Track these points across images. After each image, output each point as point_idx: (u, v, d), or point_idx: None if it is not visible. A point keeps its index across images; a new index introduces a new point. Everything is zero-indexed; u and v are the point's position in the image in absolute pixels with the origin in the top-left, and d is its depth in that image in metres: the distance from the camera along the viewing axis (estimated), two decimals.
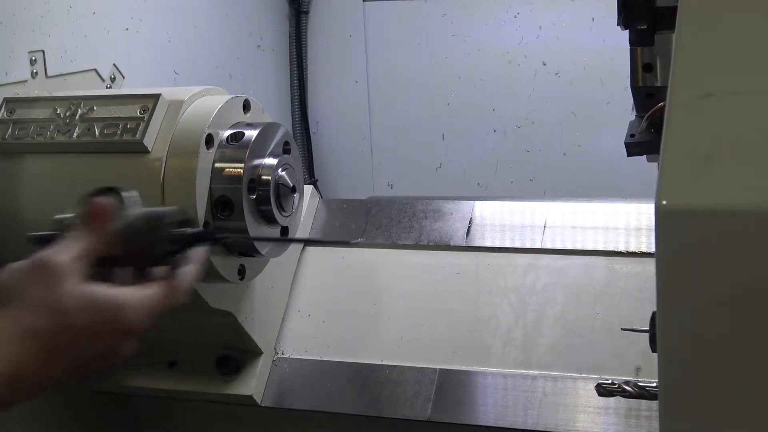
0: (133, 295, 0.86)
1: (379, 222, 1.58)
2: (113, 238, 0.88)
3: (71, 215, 0.91)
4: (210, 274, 1.23)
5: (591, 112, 2.74)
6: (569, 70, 2.75)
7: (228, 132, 1.27)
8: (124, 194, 0.93)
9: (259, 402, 1.43)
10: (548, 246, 1.49)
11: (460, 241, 1.54)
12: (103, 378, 1.48)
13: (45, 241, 0.89)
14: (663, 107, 0.97)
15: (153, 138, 1.24)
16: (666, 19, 1.14)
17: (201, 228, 1.02)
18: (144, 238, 0.89)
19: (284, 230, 1.31)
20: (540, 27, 2.77)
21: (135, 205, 0.93)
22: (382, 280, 1.53)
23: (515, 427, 1.33)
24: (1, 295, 0.82)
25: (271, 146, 1.29)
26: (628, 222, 1.48)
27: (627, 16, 1.16)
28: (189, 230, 0.92)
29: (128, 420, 1.61)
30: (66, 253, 0.84)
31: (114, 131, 1.26)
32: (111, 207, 0.89)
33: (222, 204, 1.24)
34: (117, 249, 0.88)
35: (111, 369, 0.95)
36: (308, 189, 1.57)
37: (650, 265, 1.30)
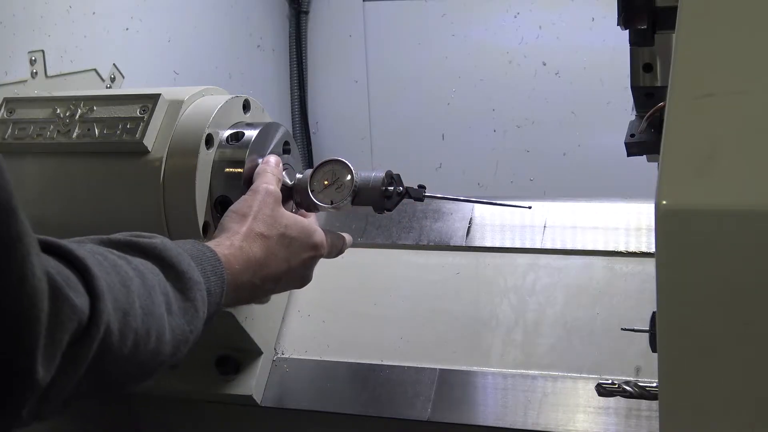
0: (320, 229, 1.22)
1: (379, 222, 1.59)
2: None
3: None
4: None
5: (591, 112, 2.74)
6: (569, 70, 2.75)
7: (228, 132, 1.27)
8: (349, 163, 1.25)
9: (259, 402, 1.43)
10: (548, 246, 1.49)
11: (460, 241, 1.54)
12: None
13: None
14: (663, 107, 0.97)
15: (153, 138, 1.24)
16: (666, 19, 1.14)
17: (405, 187, 1.26)
18: (375, 194, 1.23)
19: None
20: (540, 27, 2.77)
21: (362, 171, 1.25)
22: (382, 280, 1.53)
23: (515, 427, 1.33)
24: (244, 214, 1.14)
25: (271, 146, 1.29)
26: (628, 222, 1.48)
27: (627, 16, 1.16)
28: (400, 188, 1.24)
29: (128, 420, 1.61)
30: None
31: (114, 131, 1.26)
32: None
33: (222, 204, 1.24)
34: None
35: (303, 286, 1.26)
36: None
37: (650, 265, 1.30)
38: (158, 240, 0.96)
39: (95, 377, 0.80)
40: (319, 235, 1.22)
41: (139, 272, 0.88)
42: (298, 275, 1.22)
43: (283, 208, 1.19)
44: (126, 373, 0.86)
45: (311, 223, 1.23)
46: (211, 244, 1.06)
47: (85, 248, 0.84)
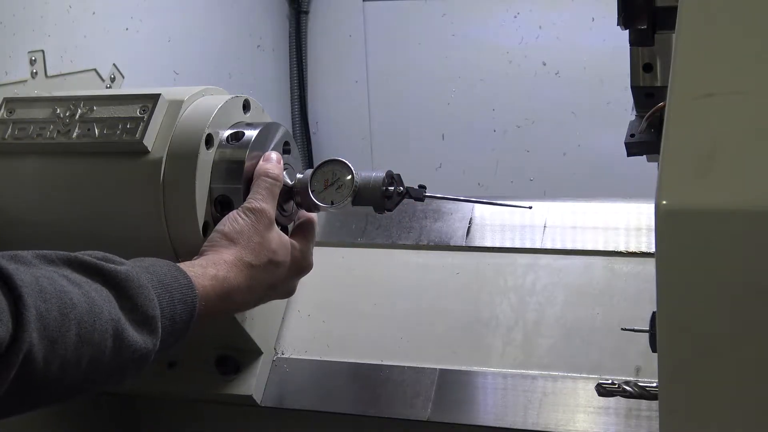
0: (310, 252, 1.23)
1: (379, 222, 1.59)
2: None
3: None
4: None
5: (591, 112, 2.74)
6: (569, 70, 2.75)
7: (228, 132, 1.27)
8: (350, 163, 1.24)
9: (259, 402, 1.43)
10: (548, 246, 1.49)
11: (460, 241, 1.54)
12: None
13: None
14: (663, 107, 0.97)
15: (153, 138, 1.24)
16: (666, 19, 1.14)
17: (405, 187, 1.25)
18: (375, 194, 1.23)
19: (284, 230, 1.31)
20: (540, 27, 2.77)
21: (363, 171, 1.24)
22: (382, 280, 1.53)
23: (515, 427, 1.33)
24: (233, 239, 1.14)
25: (271, 146, 1.29)
26: (628, 222, 1.48)
27: (627, 16, 1.16)
28: (400, 188, 1.24)
29: (128, 420, 1.61)
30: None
31: (114, 131, 1.26)
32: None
33: (222, 203, 1.24)
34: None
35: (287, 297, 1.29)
36: None
37: (650, 265, 1.30)
38: (124, 268, 0.96)
39: (20, 396, 0.84)
40: (307, 261, 1.26)
41: (89, 298, 0.90)
42: (283, 293, 1.26)
43: (274, 230, 1.19)
44: (52, 393, 0.89)
45: (302, 248, 1.24)
46: (194, 269, 1.06)
47: (32, 272, 0.86)
